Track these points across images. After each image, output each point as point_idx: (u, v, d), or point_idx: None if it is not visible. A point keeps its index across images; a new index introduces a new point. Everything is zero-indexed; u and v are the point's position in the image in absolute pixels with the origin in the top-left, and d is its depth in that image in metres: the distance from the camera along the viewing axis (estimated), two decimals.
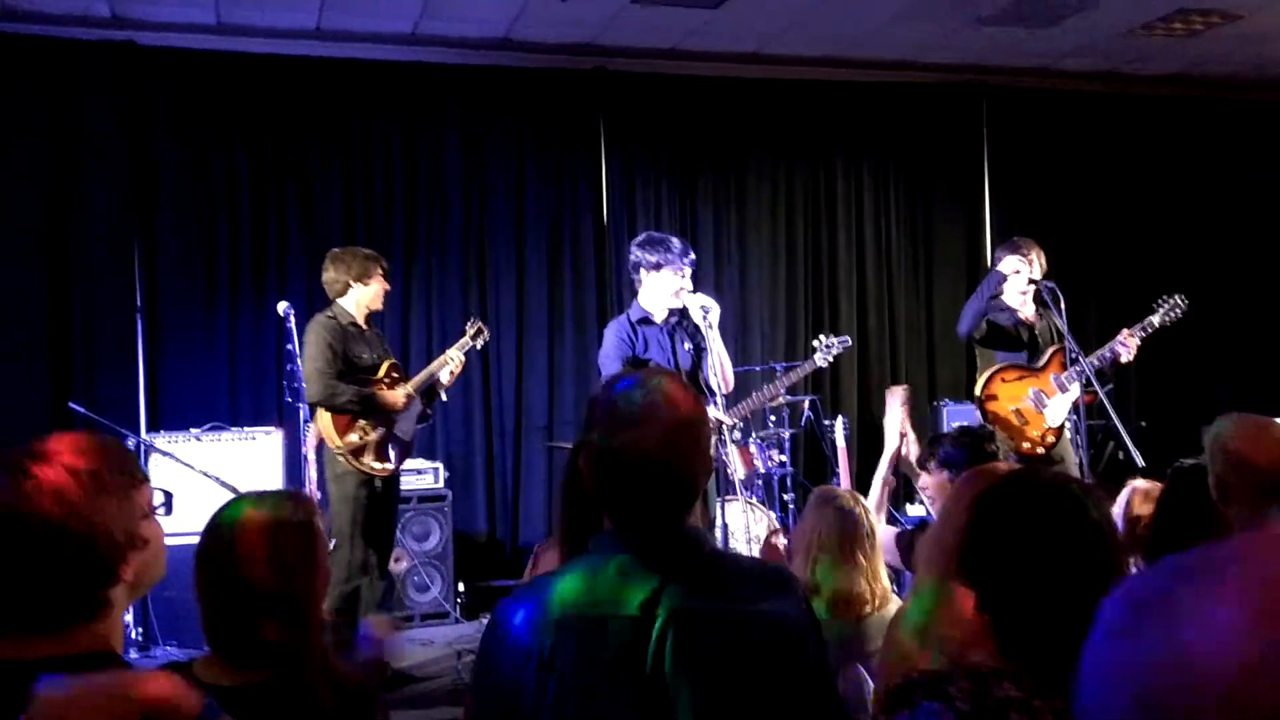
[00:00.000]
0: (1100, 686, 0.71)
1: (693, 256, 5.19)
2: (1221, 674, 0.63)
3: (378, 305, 5.42)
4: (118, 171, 6.66)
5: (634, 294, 5.27)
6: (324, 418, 5.11)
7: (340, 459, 5.12)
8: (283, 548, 1.87)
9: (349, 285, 5.30)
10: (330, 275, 5.34)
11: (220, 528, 1.90)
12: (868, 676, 2.84)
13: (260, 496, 1.98)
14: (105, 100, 6.62)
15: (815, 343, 5.75)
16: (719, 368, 4.81)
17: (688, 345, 5.18)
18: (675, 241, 5.14)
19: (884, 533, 3.38)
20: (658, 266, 5.06)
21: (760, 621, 1.61)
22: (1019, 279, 5.39)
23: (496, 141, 7.39)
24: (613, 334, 5.16)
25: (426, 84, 7.21)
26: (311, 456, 5.65)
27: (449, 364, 5.56)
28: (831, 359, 5.76)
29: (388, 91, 7.14)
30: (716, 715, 1.57)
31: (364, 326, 5.37)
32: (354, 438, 5.15)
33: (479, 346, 5.84)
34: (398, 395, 5.33)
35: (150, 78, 6.70)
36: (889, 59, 7.78)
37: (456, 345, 5.69)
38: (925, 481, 3.81)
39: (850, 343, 5.71)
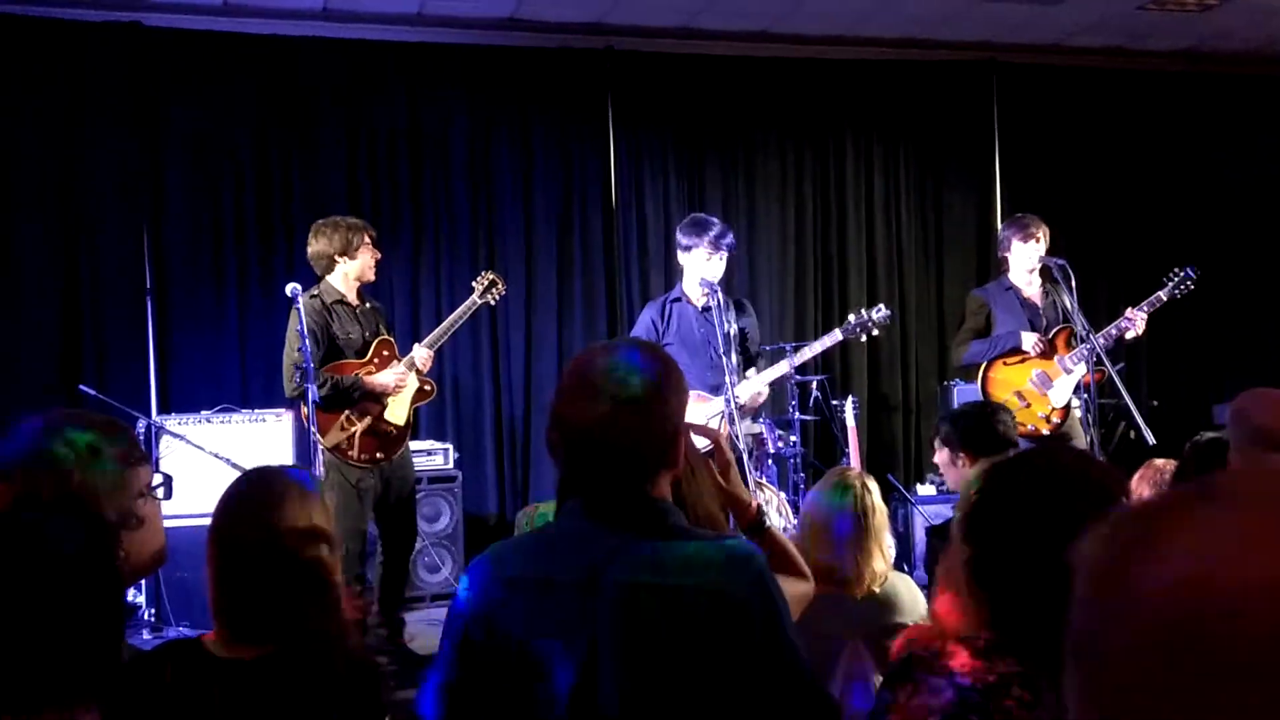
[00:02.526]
0: (1100, 613, 0.69)
1: (730, 240, 5.35)
2: (1230, 594, 0.62)
3: (369, 276, 5.21)
4: (125, 153, 6.65)
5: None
6: (306, 411, 4.80)
7: (327, 453, 4.89)
8: (295, 519, 1.88)
9: (334, 260, 5.07)
10: (314, 250, 5.11)
11: (234, 501, 1.90)
12: (868, 655, 2.83)
13: (265, 471, 1.99)
14: (112, 81, 6.61)
15: (852, 317, 5.55)
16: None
17: (727, 327, 5.20)
18: (715, 224, 5.32)
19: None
20: (689, 248, 5.25)
21: (704, 599, 1.60)
22: (1025, 258, 5.36)
23: (503, 122, 7.36)
24: (645, 315, 5.36)
25: (433, 65, 7.18)
26: (321, 439, 5.65)
27: (454, 325, 5.36)
28: (875, 332, 5.58)
29: (394, 72, 7.12)
30: (650, 688, 1.58)
31: (355, 302, 5.18)
32: (338, 433, 4.93)
33: (492, 302, 5.61)
34: (386, 379, 5.08)
35: (157, 59, 6.68)
36: (899, 37, 7.74)
37: (464, 304, 5.46)
38: (938, 458, 3.81)
39: (888, 313, 5.58)
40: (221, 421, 6.03)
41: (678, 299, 5.33)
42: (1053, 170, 8.21)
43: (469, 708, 1.70)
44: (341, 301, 5.15)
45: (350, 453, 5.00)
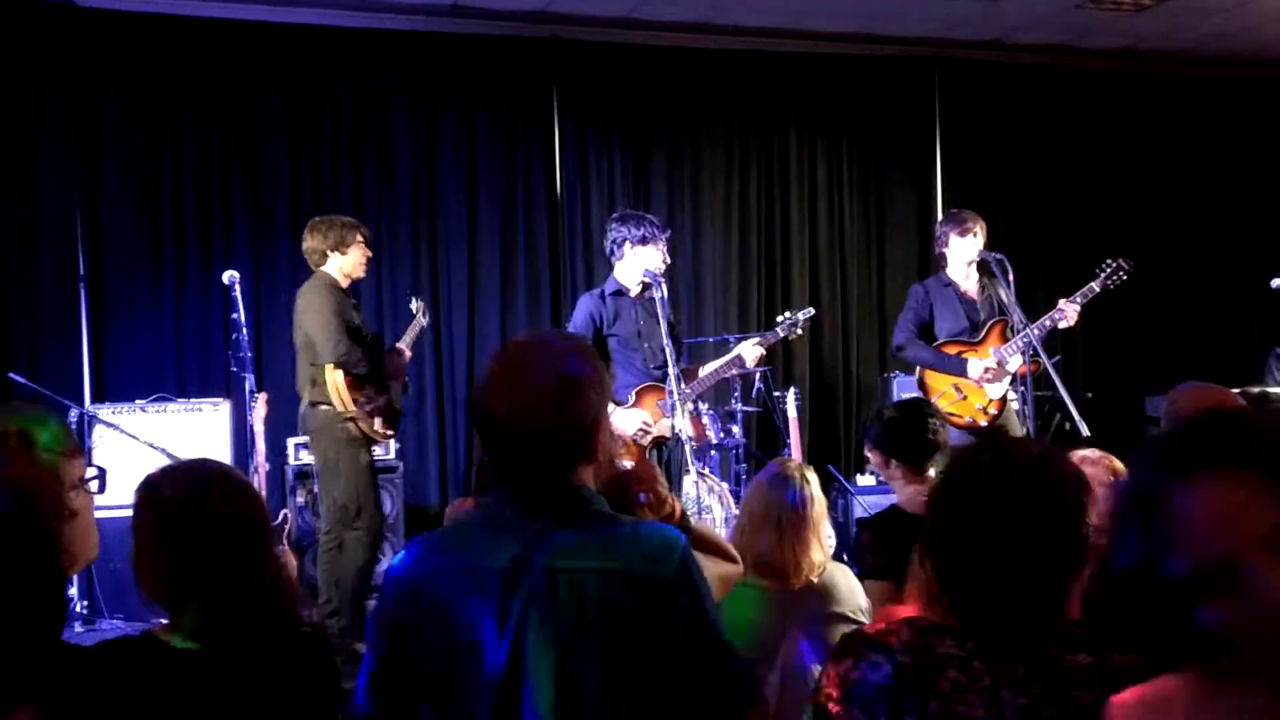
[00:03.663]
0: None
1: (669, 232, 5.38)
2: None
3: (360, 273, 5.37)
4: (59, 136, 6.50)
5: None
6: (335, 379, 5.02)
7: (349, 425, 5.05)
8: (238, 508, 1.89)
9: (326, 254, 5.23)
10: (308, 244, 5.27)
11: (160, 492, 1.88)
12: (805, 644, 2.85)
13: (201, 463, 1.98)
14: (46, 63, 6.46)
15: (780, 318, 5.64)
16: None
17: (661, 319, 5.22)
18: (652, 217, 5.35)
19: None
20: (644, 240, 5.19)
21: (629, 581, 1.65)
22: (962, 253, 5.40)
23: (447, 110, 7.31)
24: (583, 308, 5.29)
25: (375, 51, 7.10)
26: (260, 429, 5.59)
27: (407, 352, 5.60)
28: (799, 331, 5.67)
29: (336, 58, 7.03)
30: (575, 672, 1.61)
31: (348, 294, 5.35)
32: (363, 402, 5.11)
33: (425, 323, 5.88)
34: (403, 357, 5.41)
35: (93, 41, 6.54)
36: (843, 31, 7.79)
37: (410, 330, 5.71)
38: (870, 456, 3.83)
39: (813, 312, 5.66)
40: (157, 411, 5.95)
41: (617, 291, 5.28)
42: (992, 165, 8.32)
43: (399, 692, 1.71)
44: (342, 290, 5.29)
45: (374, 422, 5.14)
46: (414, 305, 5.88)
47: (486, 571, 1.67)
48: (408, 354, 5.62)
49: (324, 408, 5.07)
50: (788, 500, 2.96)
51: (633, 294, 5.29)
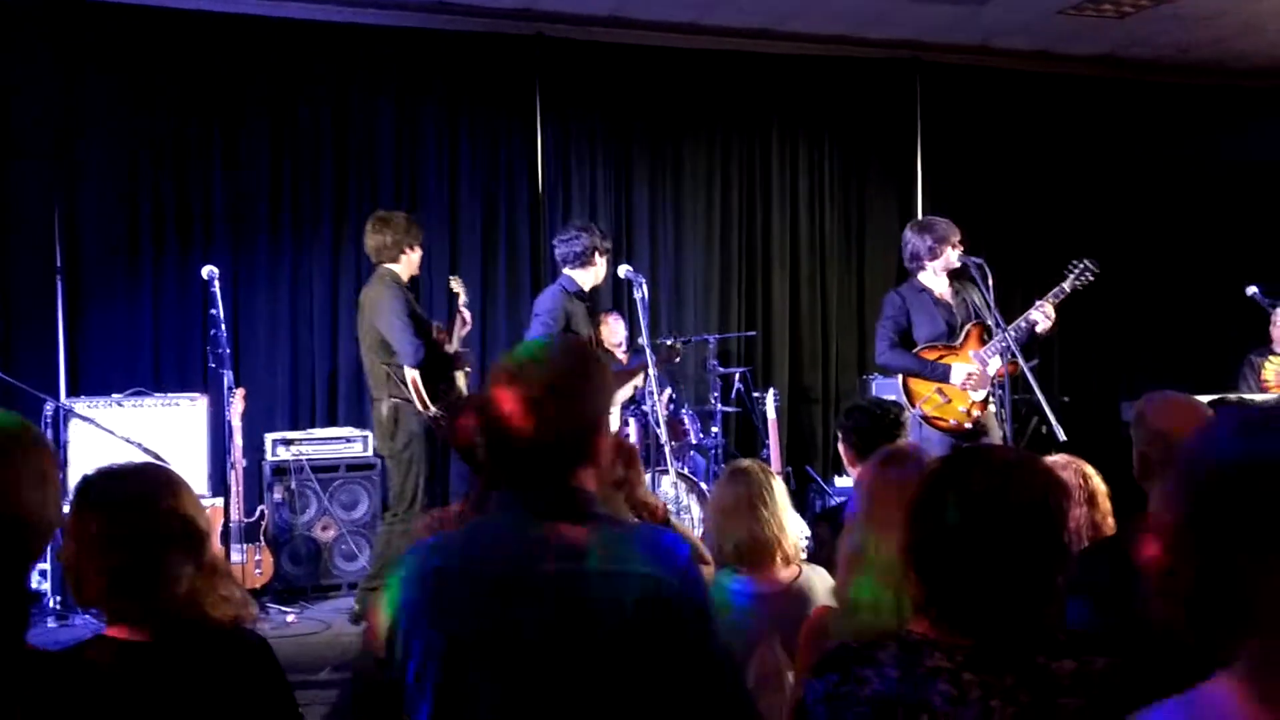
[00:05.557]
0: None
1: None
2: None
3: (417, 271, 5.55)
4: (38, 127, 6.45)
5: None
6: (413, 377, 5.17)
7: (422, 417, 5.20)
8: (182, 508, 1.89)
9: (403, 250, 5.37)
10: (378, 240, 5.37)
11: (107, 494, 1.89)
12: (782, 652, 2.85)
13: (125, 466, 1.97)
14: (26, 53, 6.40)
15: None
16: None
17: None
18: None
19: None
20: (606, 252, 5.49)
21: (634, 585, 1.62)
22: (946, 263, 5.44)
23: (430, 107, 7.29)
24: (557, 300, 5.38)
25: (359, 46, 7.07)
26: (237, 424, 5.57)
27: (468, 323, 5.76)
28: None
29: (319, 53, 6.99)
30: (586, 674, 1.59)
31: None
32: (440, 401, 5.25)
33: (464, 295, 5.96)
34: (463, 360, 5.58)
35: (73, 31, 6.49)
36: (825, 33, 7.81)
37: (461, 304, 5.84)
38: (842, 451, 3.87)
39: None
40: (134, 405, 5.91)
41: (579, 293, 5.44)
42: (973, 169, 8.36)
43: (396, 701, 1.69)
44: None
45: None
46: (455, 285, 5.96)
47: (489, 578, 1.64)
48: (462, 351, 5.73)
49: (400, 403, 5.22)
50: (754, 489, 2.99)
51: (585, 300, 5.47)
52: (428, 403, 5.18)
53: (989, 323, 5.27)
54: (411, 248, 5.40)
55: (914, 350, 5.40)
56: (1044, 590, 1.60)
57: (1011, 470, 1.63)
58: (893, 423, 3.62)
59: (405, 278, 5.42)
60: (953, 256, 5.43)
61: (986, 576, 1.58)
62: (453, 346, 5.60)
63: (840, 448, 3.70)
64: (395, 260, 5.37)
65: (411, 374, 5.19)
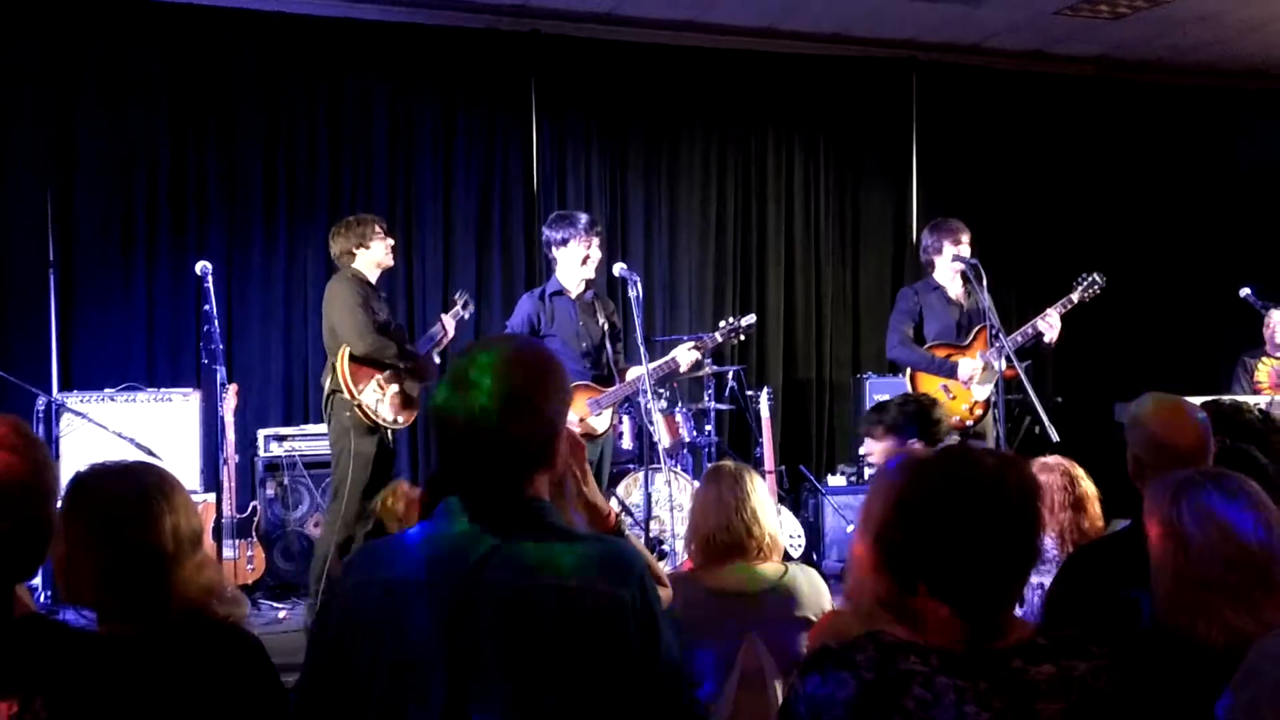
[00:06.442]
0: None
1: (600, 229, 5.54)
2: None
3: (389, 261, 5.53)
4: (31, 121, 6.42)
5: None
6: (342, 367, 5.12)
7: (355, 411, 5.13)
8: (163, 507, 1.90)
9: (353, 253, 5.40)
10: (335, 249, 5.45)
11: (100, 493, 1.89)
12: (765, 652, 2.85)
13: (118, 465, 1.98)
14: (20, 46, 6.38)
15: (722, 323, 5.65)
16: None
17: (601, 319, 5.45)
18: (582, 216, 5.49)
19: None
20: (564, 241, 5.39)
21: (586, 597, 1.58)
22: (940, 257, 5.52)
23: (425, 103, 7.27)
24: (522, 309, 5.47)
25: (355, 41, 7.05)
26: (230, 420, 5.55)
27: (448, 334, 5.66)
28: (741, 338, 5.72)
29: (314, 48, 6.97)
30: (526, 689, 1.55)
31: (376, 288, 5.49)
32: (371, 389, 5.18)
33: (467, 316, 5.96)
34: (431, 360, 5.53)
35: (67, 23, 6.46)
36: (822, 32, 7.81)
37: (449, 314, 5.78)
38: (870, 447, 3.87)
39: (754, 320, 5.75)
40: (126, 400, 5.90)
41: (558, 291, 5.42)
42: (968, 169, 8.36)
43: (329, 711, 1.65)
44: (369, 284, 5.41)
45: (379, 410, 5.20)
46: (458, 297, 5.96)
47: (438, 587, 1.60)
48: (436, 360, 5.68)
49: (335, 395, 5.18)
50: (728, 486, 3.01)
51: (572, 295, 5.42)
52: (353, 391, 5.11)
53: (988, 324, 5.32)
54: (362, 245, 5.38)
55: (926, 348, 5.50)
56: (1011, 589, 1.63)
57: (988, 474, 1.63)
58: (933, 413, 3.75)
59: (371, 274, 5.41)
60: (949, 255, 5.49)
61: (959, 577, 1.59)
62: (415, 349, 5.53)
63: (878, 446, 3.75)
64: (354, 262, 5.39)
65: (341, 363, 5.12)
